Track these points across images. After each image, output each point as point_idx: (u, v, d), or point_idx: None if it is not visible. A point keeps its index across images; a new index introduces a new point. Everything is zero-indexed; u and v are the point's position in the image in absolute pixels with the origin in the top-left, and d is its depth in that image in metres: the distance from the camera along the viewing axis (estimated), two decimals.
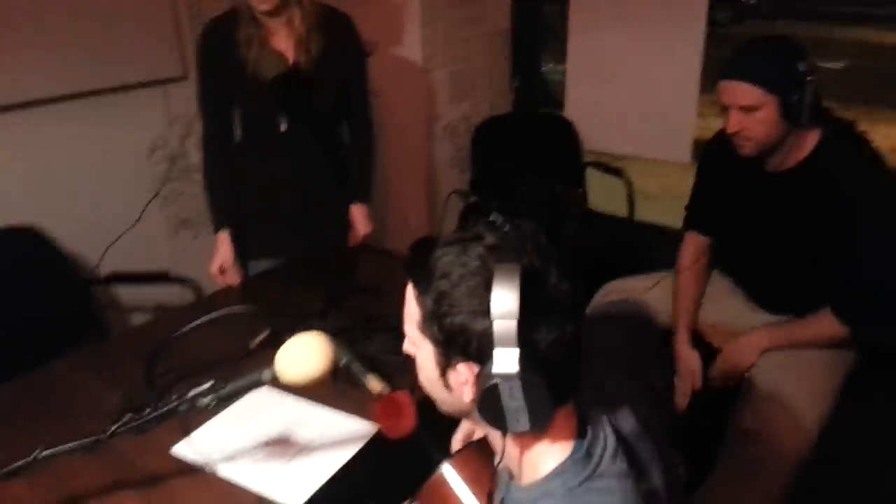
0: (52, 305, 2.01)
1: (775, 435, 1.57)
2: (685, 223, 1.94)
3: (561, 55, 3.09)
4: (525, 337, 0.72)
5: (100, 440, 1.01)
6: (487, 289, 0.73)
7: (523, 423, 0.75)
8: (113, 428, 1.00)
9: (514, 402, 0.73)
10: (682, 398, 1.80)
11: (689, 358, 1.80)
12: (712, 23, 2.68)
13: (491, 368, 0.73)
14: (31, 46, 2.07)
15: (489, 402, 0.74)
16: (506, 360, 0.72)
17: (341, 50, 1.84)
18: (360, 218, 2.05)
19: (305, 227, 1.83)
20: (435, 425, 0.93)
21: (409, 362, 0.90)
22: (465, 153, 3.02)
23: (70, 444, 1.01)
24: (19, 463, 1.00)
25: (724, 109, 1.56)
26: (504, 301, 0.71)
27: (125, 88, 2.32)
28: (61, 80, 2.16)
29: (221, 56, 1.77)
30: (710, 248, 1.90)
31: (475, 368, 0.76)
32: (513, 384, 0.72)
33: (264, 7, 1.67)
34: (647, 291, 1.89)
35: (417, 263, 0.80)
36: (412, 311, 0.82)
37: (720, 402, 1.75)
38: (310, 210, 1.87)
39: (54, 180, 2.22)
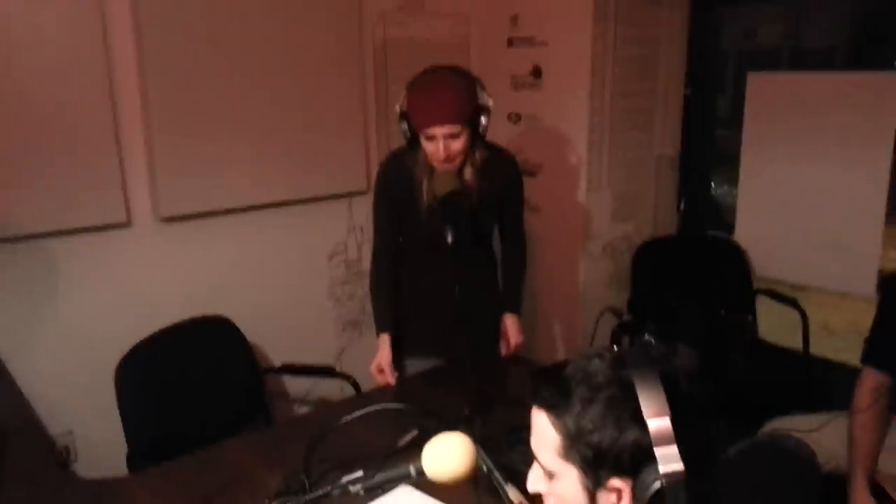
0: (231, 389, 2.23)
1: None
2: (863, 357, 1.77)
3: (734, 178, 3.02)
4: (679, 435, 0.72)
5: None
6: (630, 396, 0.74)
7: None
8: None
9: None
10: None
11: None
12: None
13: (649, 475, 0.72)
14: (239, 161, 2.41)
15: None
16: (670, 459, 0.71)
17: (504, 183, 2.02)
18: (511, 328, 2.10)
19: (460, 333, 1.91)
20: None
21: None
22: (625, 273, 3.00)
23: None
24: None
25: None
26: (654, 402, 0.72)
27: (316, 200, 2.62)
28: (263, 190, 2.48)
29: (397, 185, 1.98)
30: (891, 389, 1.71)
31: (629, 481, 0.75)
32: (678, 483, 0.71)
33: (446, 167, 1.85)
34: (814, 432, 1.72)
35: (548, 388, 0.81)
36: (547, 438, 0.82)
37: None
38: (465, 316, 1.96)
39: (245, 277, 2.50)
